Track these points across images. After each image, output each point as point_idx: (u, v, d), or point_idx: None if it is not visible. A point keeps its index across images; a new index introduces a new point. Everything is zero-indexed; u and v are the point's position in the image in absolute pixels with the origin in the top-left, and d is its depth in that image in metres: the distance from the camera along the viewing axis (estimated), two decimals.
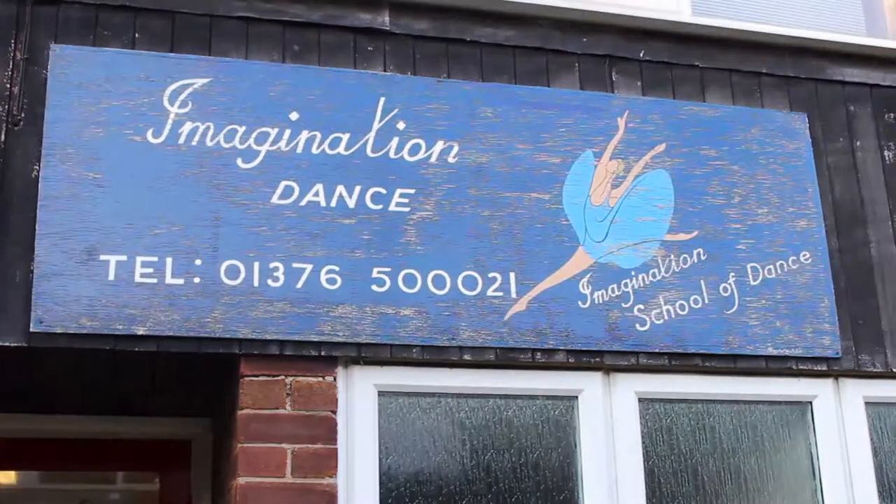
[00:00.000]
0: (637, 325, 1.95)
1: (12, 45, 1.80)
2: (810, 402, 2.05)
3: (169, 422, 2.35)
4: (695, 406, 2.00)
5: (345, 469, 1.75)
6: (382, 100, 1.94)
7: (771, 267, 2.07)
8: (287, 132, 1.88)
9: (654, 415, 1.97)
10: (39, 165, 1.75)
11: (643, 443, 1.93)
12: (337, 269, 1.82)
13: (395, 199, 1.89)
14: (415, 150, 1.94)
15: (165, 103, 1.83)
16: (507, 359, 1.88)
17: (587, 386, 1.93)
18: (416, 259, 1.86)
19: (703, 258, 2.04)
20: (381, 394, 1.82)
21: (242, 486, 1.68)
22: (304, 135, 1.89)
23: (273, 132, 1.87)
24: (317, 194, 1.85)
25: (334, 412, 1.77)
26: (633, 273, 1.98)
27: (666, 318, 1.97)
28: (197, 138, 1.83)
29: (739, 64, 2.23)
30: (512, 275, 1.90)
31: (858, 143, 2.26)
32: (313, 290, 1.79)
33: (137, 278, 1.71)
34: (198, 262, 1.75)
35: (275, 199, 1.83)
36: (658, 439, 1.96)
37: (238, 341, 1.75)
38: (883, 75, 2.32)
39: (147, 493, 2.49)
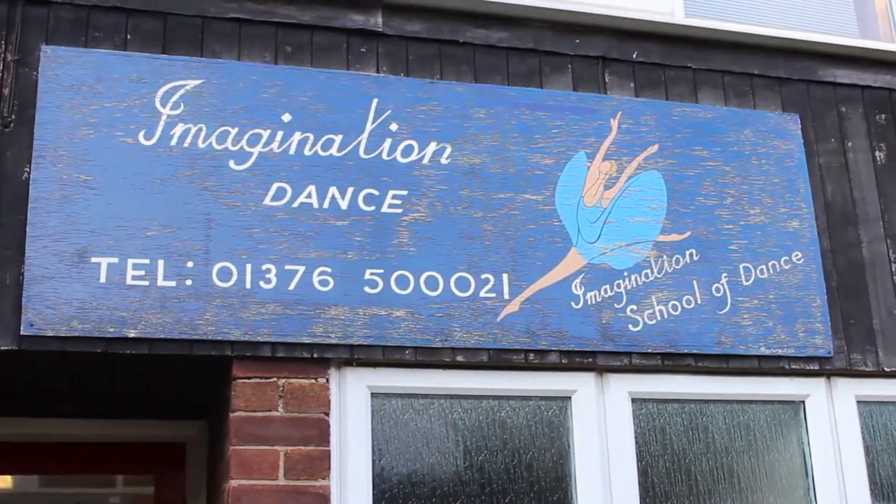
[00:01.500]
0: (630, 326, 1.95)
1: (3, 45, 1.79)
2: (803, 402, 2.06)
3: (164, 424, 2.35)
4: (688, 406, 2.01)
5: (338, 471, 1.75)
6: (375, 101, 1.94)
7: (763, 267, 2.08)
8: (279, 133, 1.88)
9: (648, 415, 1.98)
10: (30, 167, 1.74)
11: (636, 443, 1.93)
12: (329, 270, 1.81)
13: (388, 200, 1.89)
14: (407, 151, 1.94)
15: (157, 105, 1.82)
16: (500, 360, 1.89)
17: (580, 386, 1.93)
18: (409, 260, 1.86)
19: (695, 259, 2.04)
20: (373, 395, 1.82)
21: (235, 488, 1.68)
22: (297, 136, 1.88)
23: (265, 134, 1.87)
24: (309, 196, 1.85)
25: (327, 414, 1.76)
26: (625, 274, 1.98)
27: (659, 318, 1.97)
28: (189, 140, 1.82)
29: (732, 65, 2.23)
30: (505, 276, 1.90)
31: (850, 144, 2.27)
32: (306, 292, 1.79)
33: (129, 280, 1.71)
34: (190, 264, 1.75)
35: (267, 201, 1.83)
36: (651, 439, 1.96)
37: (230, 343, 1.75)
38: (874, 77, 2.33)
39: (143, 496, 2.48)
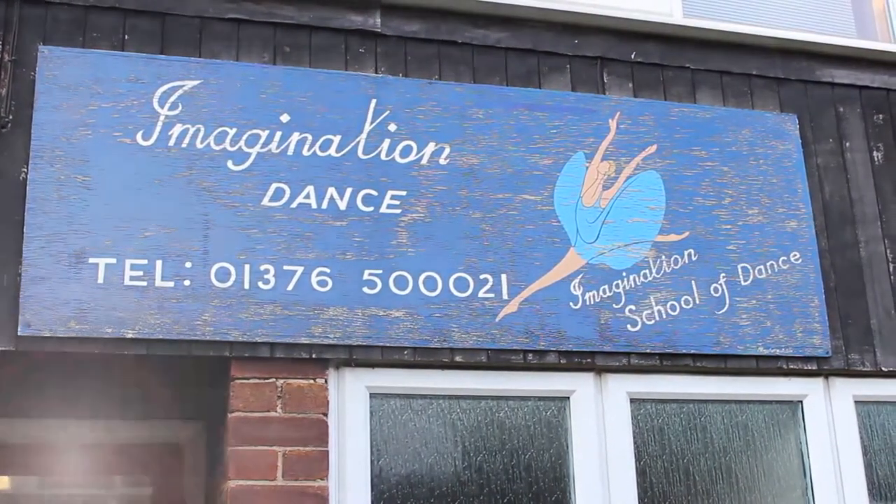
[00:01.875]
0: (628, 326, 1.95)
1: (0, 46, 1.79)
2: (801, 402, 2.06)
3: (162, 425, 2.34)
4: (686, 406, 2.01)
5: (336, 471, 1.75)
6: (374, 101, 1.94)
7: (761, 267, 2.08)
8: (278, 134, 1.87)
9: (646, 415, 1.98)
10: (27, 168, 1.74)
11: (635, 443, 1.93)
12: (328, 271, 1.81)
13: (387, 200, 1.89)
14: (406, 151, 1.94)
15: (155, 105, 1.82)
16: (499, 360, 1.89)
17: (579, 387, 1.93)
18: (408, 261, 1.86)
19: (693, 259, 2.05)
20: (372, 396, 1.82)
21: (233, 489, 1.68)
22: (295, 137, 1.88)
23: (264, 134, 1.87)
24: (308, 196, 1.85)
25: (325, 414, 1.76)
26: (624, 274, 1.99)
27: (657, 318, 1.98)
28: (187, 140, 1.82)
29: (730, 65, 2.24)
30: (503, 276, 1.91)
31: (847, 144, 2.28)
32: (304, 293, 1.79)
33: (127, 281, 1.70)
34: (188, 264, 1.75)
35: (265, 202, 1.83)
36: (650, 439, 1.97)
37: (228, 344, 1.75)
38: (872, 77, 2.34)
39: (141, 497, 2.48)
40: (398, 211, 1.89)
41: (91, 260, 1.70)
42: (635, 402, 1.96)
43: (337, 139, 1.90)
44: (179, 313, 1.71)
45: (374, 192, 1.89)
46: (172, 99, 1.83)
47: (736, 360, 2.02)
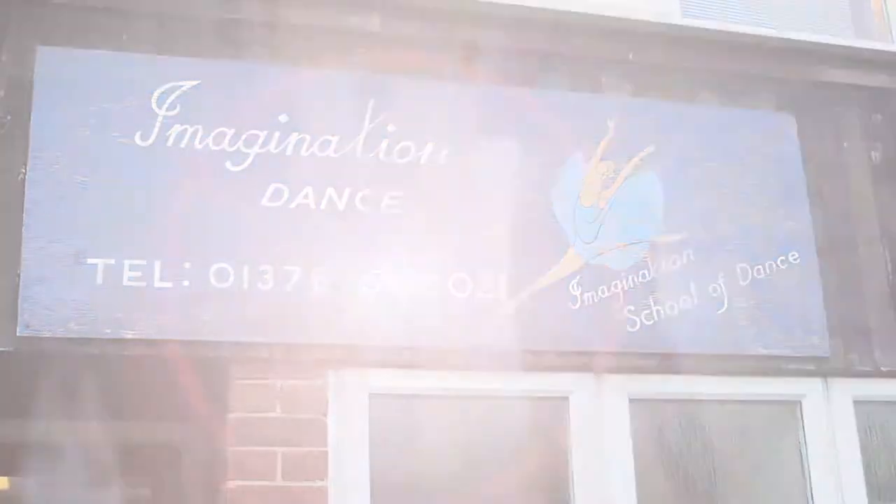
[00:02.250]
0: (627, 326, 1.95)
1: None
2: (800, 402, 2.06)
3: (161, 426, 2.34)
4: (685, 406, 2.01)
5: (336, 471, 1.75)
6: (372, 102, 1.94)
7: (760, 267, 2.08)
8: (276, 135, 1.87)
9: (645, 415, 1.98)
10: (26, 168, 1.74)
11: (634, 443, 1.93)
12: (327, 271, 1.81)
13: (385, 201, 1.89)
14: (405, 152, 1.94)
15: (154, 106, 1.82)
16: (498, 360, 1.89)
17: (578, 387, 1.93)
18: (407, 261, 1.86)
19: (692, 259, 2.05)
20: (371, 396, 1.82)
21: (233, 489, 1.68)
22: (294, 137, 1.88)
23: (262, 135, 1.87)
24: (306, 196, 1.85)
25: (325, 414, 1.76)
26: (623, 274, 1.99)
27: (656, 318, 1.98)
28: (185, 141, 1.82)
29: (728, 65, 2.24)
30: (502, 276, 1.91)
31: (846, 144, 2.28)
32: (303, 293, 1.79)
33: (126, 282, 1.70)
34: (187, 265, 1.75)
35: (264, 202, 1.83)
36: (649, 439, 1.97)
37: (227, 344, 1.75)
38: (870, 77, 2.34)
39: (140, 497, 2.47)
40: (397, 211, 1.89)
41: (90, 260, 1.70)
42: (634, 402, 1.96)
43: (335, 139, 1.90)
44: (178, 314, 1.71)
45: (373, 193, 1.89)
46: (171, 99, 1.83)
47: (735, 361, 2.02)
